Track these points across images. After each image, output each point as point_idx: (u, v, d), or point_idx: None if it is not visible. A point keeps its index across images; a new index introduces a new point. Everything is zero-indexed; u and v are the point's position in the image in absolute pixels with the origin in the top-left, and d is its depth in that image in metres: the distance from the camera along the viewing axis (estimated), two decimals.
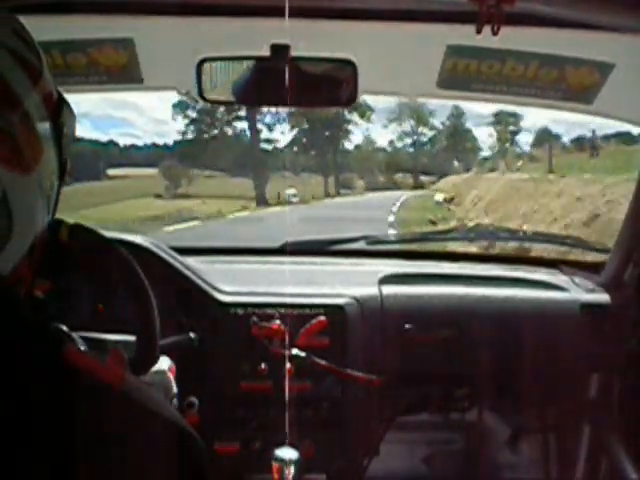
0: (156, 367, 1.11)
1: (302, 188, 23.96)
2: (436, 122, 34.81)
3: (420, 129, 34.47)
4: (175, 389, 1.13)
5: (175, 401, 1.12)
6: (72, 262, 1.02)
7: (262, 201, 22.30)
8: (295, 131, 31.26)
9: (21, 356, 0.54)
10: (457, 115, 34.44)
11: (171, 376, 1.14)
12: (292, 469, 1.24)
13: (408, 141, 34.46)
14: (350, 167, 32.58)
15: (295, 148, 32.37)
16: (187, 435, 0.61)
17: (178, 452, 0.59)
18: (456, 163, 32.63)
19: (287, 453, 1.25)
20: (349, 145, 33.41)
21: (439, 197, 18.78)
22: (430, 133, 34.88)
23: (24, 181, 0.59)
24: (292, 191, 22.49)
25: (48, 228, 0.65)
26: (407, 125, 34.59)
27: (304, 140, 31.71)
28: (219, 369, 1.48)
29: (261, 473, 1.43)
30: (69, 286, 1.03)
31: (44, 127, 0.62)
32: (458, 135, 34.37)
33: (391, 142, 34.89)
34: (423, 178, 30.51)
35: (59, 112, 0.65)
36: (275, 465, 1.24)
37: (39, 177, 0.61)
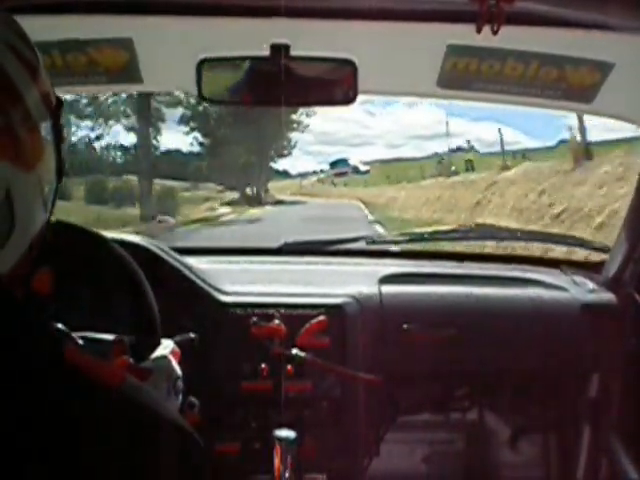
0: (157, 352, 1.09)
1: None
2: None
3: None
4: (178, 372, 1.10)
5: (180, 383, 1.09)
6: (62, 261, 1.01)
7: None
8: None
9: (21, 356, 0.54)
10: None
11: (173, 359, 1.11)
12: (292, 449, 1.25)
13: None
14: None
15: None
16: (187, 435, 0.61)
17: (178, 452, 0.59)
18: None
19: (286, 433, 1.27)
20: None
21: None
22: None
23: (26, 179, 0.58)
24: None
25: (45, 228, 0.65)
26: None
27: None
28: (219, 369, 1.48)
29: (261, 473, 1.43)
30: (66, 285, 1.03)
31: (44, 125, 0.62)
32: None
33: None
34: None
35: (58, 113, 0.65)
36: (277, 446, 1.25)
37: (39, 175, 0.60)
